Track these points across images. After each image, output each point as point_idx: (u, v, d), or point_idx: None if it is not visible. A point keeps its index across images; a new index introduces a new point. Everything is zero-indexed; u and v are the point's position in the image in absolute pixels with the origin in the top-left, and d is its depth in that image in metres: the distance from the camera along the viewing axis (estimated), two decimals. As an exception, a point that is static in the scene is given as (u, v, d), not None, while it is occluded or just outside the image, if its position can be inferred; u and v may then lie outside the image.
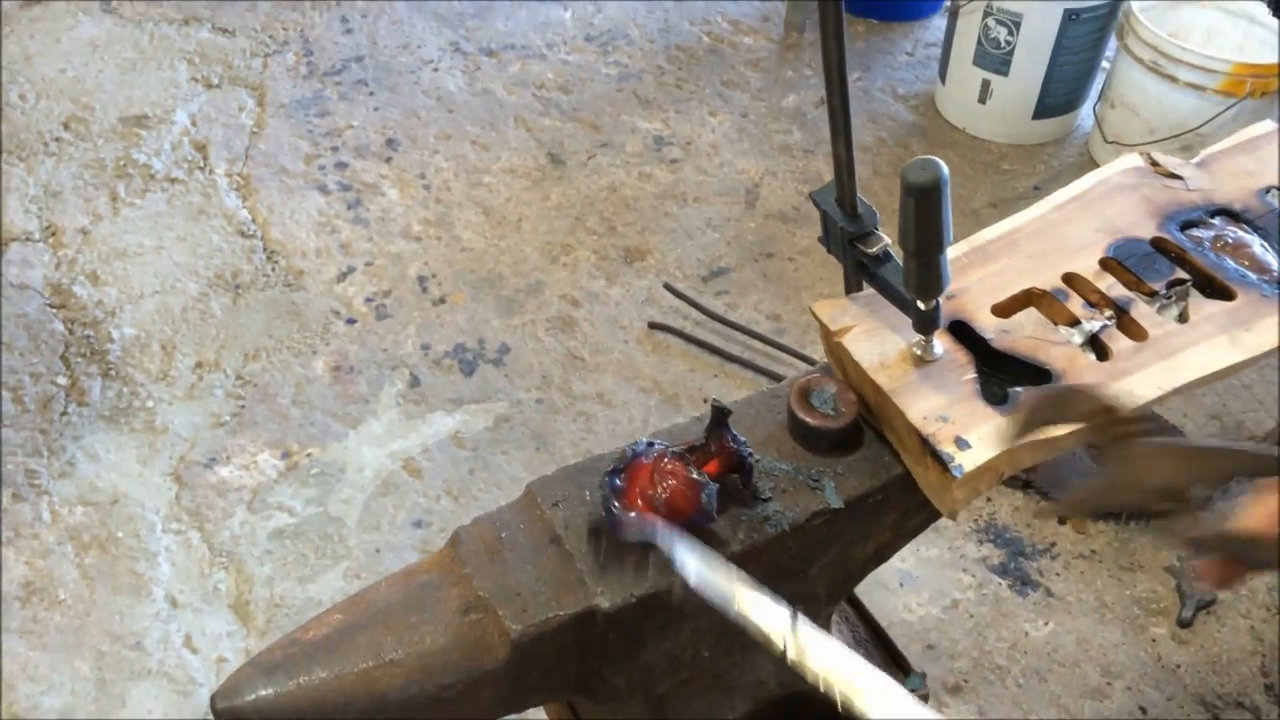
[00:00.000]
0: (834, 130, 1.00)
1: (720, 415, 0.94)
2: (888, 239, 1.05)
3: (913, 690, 1.23)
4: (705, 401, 2.50)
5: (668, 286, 2.71)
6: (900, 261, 1.01)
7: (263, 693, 0.88)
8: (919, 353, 1.04)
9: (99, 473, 2.34)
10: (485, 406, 2.49)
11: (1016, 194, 3.04)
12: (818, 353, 2.58)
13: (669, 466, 0.93)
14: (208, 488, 2.32)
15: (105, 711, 1.99)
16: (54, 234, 2.86)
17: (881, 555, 1.15)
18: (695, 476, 0.92)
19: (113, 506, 2.29)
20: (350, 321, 2.66)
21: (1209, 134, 2.85)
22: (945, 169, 0.88)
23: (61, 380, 2.52)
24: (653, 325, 2.65)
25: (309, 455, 2.38)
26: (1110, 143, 3.04)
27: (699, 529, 0.93)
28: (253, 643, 2.09)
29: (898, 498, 1.07)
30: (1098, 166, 3.09)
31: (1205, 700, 2.02)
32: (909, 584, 2.15)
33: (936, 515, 1.13)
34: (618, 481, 0.94)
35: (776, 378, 2.54)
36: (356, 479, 2.34)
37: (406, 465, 2.36)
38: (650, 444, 0.97)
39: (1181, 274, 1.13)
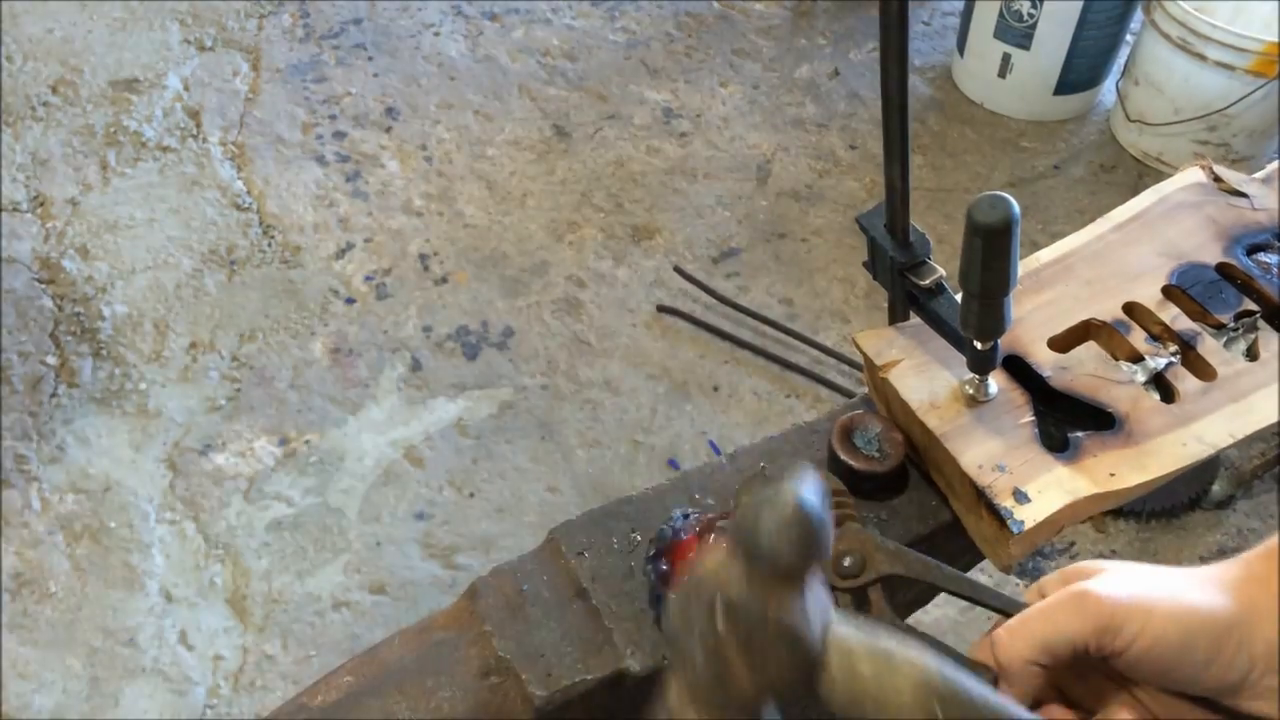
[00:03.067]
0: (888, 153, 0.92)
1: None
2: (942, 270, 0.97)
3: None
4: (715, 390, 2.43)
5: (677, 269, 2.63)
6: (954, 293, 0.94)
7: (267, 767, 0.82)
8: (971, 391, 0.97)
9: (90, 458, 2.27)
10: (489, 392, 2.42)
11: (1036, 173, 2.96)
12: (831, 339, 2.51)
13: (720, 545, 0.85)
14: (203, 475, 2.25)
15: (98, 711, 1.93)
16: (42, 204, 2.77)
17: (922, 600, 1.09)
18: None
19: (105, 494, 2.22)
20: (349, 301, 2.58)
21: (1236, 115, 2.77)
22: (1017, 207, 0.80)
23: (51, 360, 2.44)
24: (661, 308, 2.58)
25: (307, 442, 2.31)
26: (1133, 121, 2.95)
27: None
28: (250, 639, 2.03)
29: (944, 544, 1.00)
30: (1119, 145, 3.03)
31: (1228, 710, 1.97)
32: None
33: (981, 559, 1.06)
34: (663, 566, 0.86)
35: (789, 364, 2.46)
36: (356, 468, 2.27)
37: (408, 454, 2.30)
38: (685, 515, 0.89)
39: (1250, 304, 1.05)
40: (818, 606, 0.62)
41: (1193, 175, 1.16)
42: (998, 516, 0.90)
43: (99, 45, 3.20)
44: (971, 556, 1.06)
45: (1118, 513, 2.25)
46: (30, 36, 3.21)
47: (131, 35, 3.24)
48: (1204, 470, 2.35)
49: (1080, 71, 3.02)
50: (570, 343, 2.52)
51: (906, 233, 0.97)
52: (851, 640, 0.62)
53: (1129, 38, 3.09)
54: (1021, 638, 0.73)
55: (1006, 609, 0.80)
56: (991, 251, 0.82)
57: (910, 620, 0.88)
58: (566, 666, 0.88)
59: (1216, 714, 0.72)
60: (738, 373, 2.47)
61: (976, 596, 0.81)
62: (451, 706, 0.87)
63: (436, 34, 3.32)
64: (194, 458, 2.28)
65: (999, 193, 0.80)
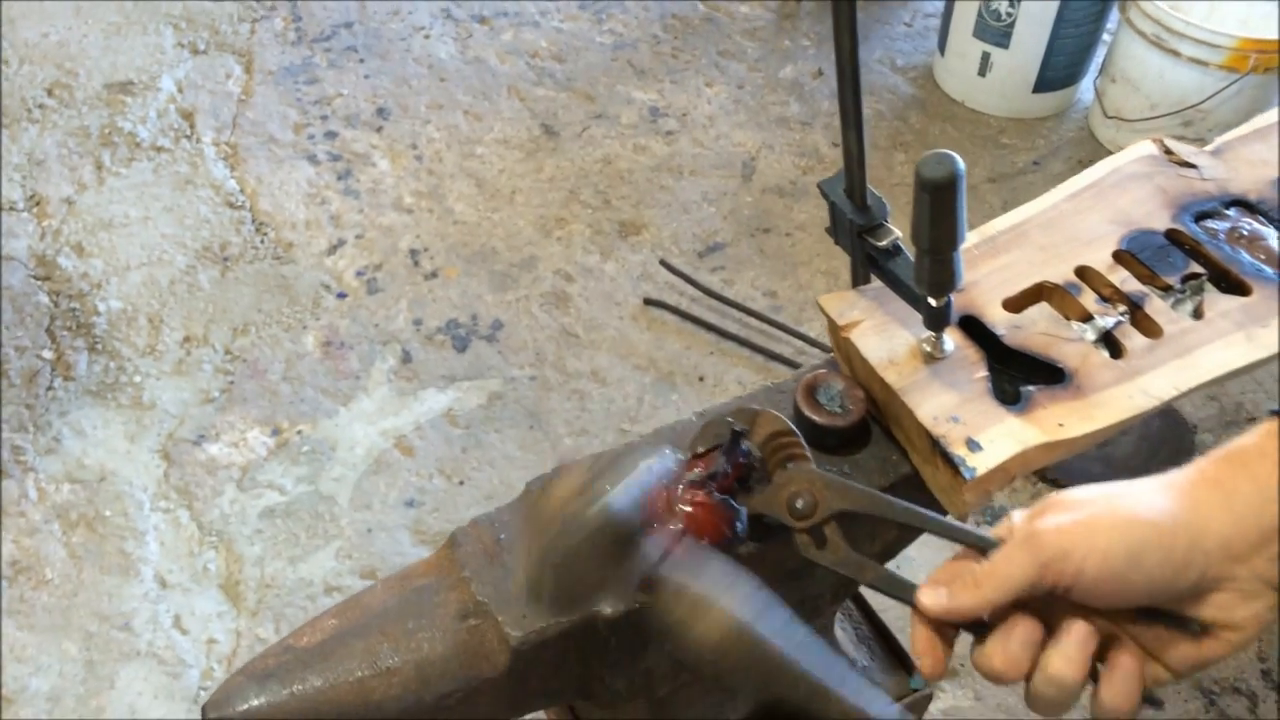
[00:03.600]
0: (844, 120, 0.97)
1: (738, 438, 0.91)
2: (898, 232, 1.02)
3: (915, 690, 1.22)
4: (700, 380, 2.48)
5: (663, 263, 2.67)
6: (911, 255, 0.98)
7: (255, 702, 0.86)
8: (929, 349, 1.02)
9: (86, 449, 2.31)
10: (478, 383, 2.46)
11: (1016, 169, 3.01)
12: (814, 330, 2.55)
13: (689, 496, 0.90)
14: (196, 465, 2.29)
15: (94, 693, 1.97)
16: (38, 204, 2.81)
17: (888, 553, 1.13)
18: (722, 502, 0.89)
19: (100, 484, 2.26)
20: (341, 295, 2.63)
21: (1210, 110, 2.82)
22: (961, 163, 0.85)
23: (47, 354, 2.48)
24: (648, 301, 2.62)
25: (299, 432, 2.35)
26: (1111, 118, 3.01)
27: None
28: (243, 624, 2.07)
29: (904, 497, 1.04)
30: (1097, 141, 3.09)
31: (1202, 686, 2.01)
32: (906, 566, 2.13)
33: (943, 515, 1.11)
34: None
35: (773, 355, 2.51)
36: (348, 457, 2.32)
37: (398, 443, 2.34)
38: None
39: (1196, 268, 1.10)
40: (635, 569, 0.80)
41: (1144, 148, 1.21)
42: (951, 464, 0.95)
43: (94, 49, 3.25)
44: (934, 511, 1.10)
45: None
46: (26, 41, 3.26)
47: (126, 39, 3.29)
48: (1182, 456, 2.39)
49: (1058, 69, 3.08)
50: (558, 335, 2.56)
51: (864, 196, 1.01)
52: (672, 588, 0.79)
53: (1106, 36, 3.14)
54: (982, 591, 0.77)
55: (960, 538, 0.84)
56: (939, 206, 0.86)
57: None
58: (541, 610, 0.92)
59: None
60: (723, 363, 2.52)
61: (928, 528, 0.85)
62: (431, 647, 0.90)
63: (427, 36, 3.37)
64: (188, 448, 2.32)
65: (944, 150, 0.85)
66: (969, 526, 0.83)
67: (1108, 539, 0.72)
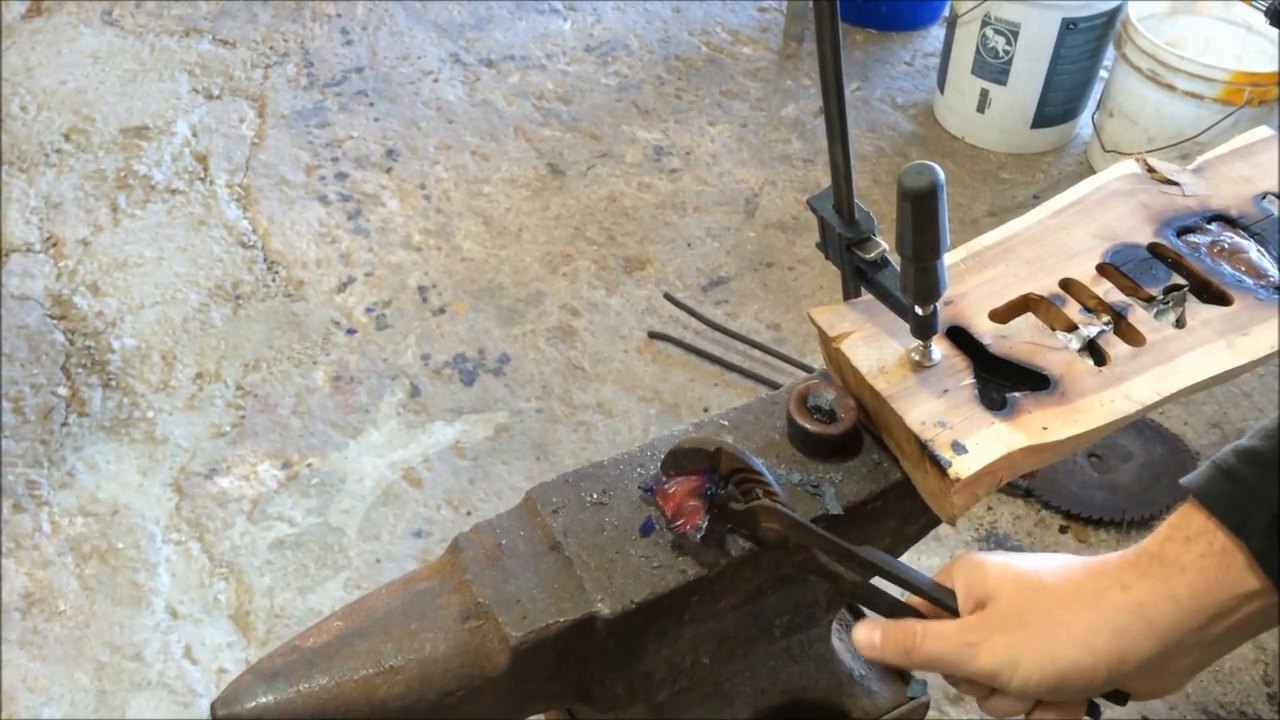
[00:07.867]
0: (830, 136, 1.00)
1: (714, 467, 0.97)
2: (885, 244, 1.05)
3: (913, 699, 1.23)
4: (705, 412, 2.50)
5: (668, 296, 2.71)
6: (898, 267, 1.02)
7: (263, 700, 0.88)
8: (917, 358, 1.05)
9: (99, 483, 2.34)
10: (485, 416, 2.49)
11: (1015, 203, 3.05)
12: (817, 361, 2.58)
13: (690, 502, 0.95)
14: (208, 498, 2.32)
15: (105, 722, 1.98)
16: (55, 245, 2.87)
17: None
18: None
19: (113, 517, 2.29)
20: (350, 332, 2.67)
21: (1207, 142, 2.86)
22: (941, 173, 0.88)
23: (62, 391, 2.52)
24: (653, 335, 2.66)
25: (309, 465, 2.38)
26: (1109, 151, 3.05)
27: None
28: (253, 653, 2.09)
29: (896, 504, 1.07)
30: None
31: (1208, 709, 2.01)
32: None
33: (936, 522, 1.13)
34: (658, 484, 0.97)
35: (776, 386, 2.53)
36: (357, 489, 2.34)
37: (407, 475, 2.37)
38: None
39: (1178, 279, 1.13)
40: None
41: (1128, 166, 1.25)
42: (939, 467, 0.98)
43: (110, 95, 3.33)
44: (926, 519, 1.13)
45: (1099, 522, 2.30)
46: (44, 88, 3.34)
47: (142, 85, 3.37)
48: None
49: (1056, 105, 3.13)
50: (564, 368, 2.59)
51: (852, 211, 1.05)
52: None
53: (1103, 72, 3.19)
54: (910, 660, 0.89)
55: (915, 589, 0.91)
56: (921, 215, 0.90)
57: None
58: (541, 610, 0.95)
59: None
60: (727, 395, 2.54)
61: (886, 572, 0.91)
62: (434, 647, 0.93)
63: (435, 80, 3.44)
64: (199, 481, 2.36)
65: (925, 161, 0.89)
66: (923, 576, 0.91)
67: (1038, 669, 0.81)
